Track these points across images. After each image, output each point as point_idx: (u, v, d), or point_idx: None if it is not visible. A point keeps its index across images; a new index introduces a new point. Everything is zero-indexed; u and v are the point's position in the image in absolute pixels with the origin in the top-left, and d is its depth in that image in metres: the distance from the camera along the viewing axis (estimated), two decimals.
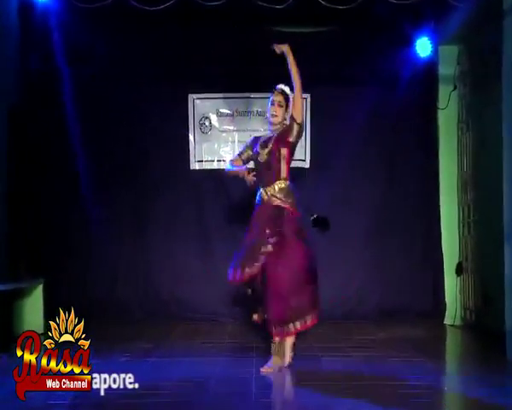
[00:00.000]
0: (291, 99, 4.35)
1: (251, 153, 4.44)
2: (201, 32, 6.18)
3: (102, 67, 6.08)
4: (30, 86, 6.05)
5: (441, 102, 6.34)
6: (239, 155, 4.54)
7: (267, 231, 4.17)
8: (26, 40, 5.99)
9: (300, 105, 4.34)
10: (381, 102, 6.20)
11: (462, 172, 6.31)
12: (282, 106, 4.33)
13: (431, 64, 6.23)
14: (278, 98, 4.34)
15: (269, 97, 4.41)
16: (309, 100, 6.30)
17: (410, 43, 6.09)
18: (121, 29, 6.08)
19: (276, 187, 4.28)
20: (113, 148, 6.27)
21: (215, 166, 6.37)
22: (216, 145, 6.38)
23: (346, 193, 6.31)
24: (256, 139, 4.51)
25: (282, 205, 4.25)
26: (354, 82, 6.20)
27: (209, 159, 6.38)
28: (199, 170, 6.37)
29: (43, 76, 6.04)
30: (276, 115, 4.32)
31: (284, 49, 4.27)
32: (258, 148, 4.39)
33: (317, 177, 6.25)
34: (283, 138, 4.34)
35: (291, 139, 4.34)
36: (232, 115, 6.37)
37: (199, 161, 6.37)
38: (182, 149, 6.35)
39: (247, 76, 6.26)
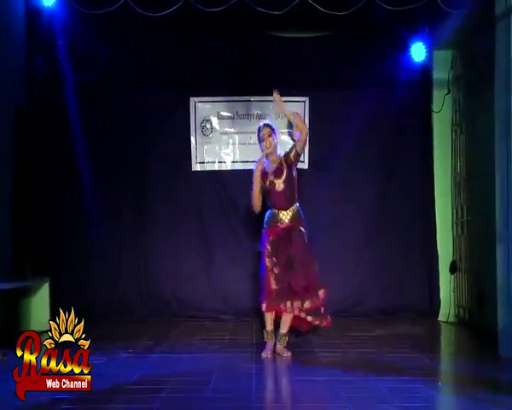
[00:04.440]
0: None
1: (264, 185, 4.69)
2: (202, 37, 6.29)
3: (105, 70, 6.14)
4: (35, 88, 6.12)
5: (435, 106, 6.41)
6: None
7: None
8: (33, 44, 6.06)
9: (304, 144, 4.79)
10: (377, 105, 6.28)
11: (456, 174, 6.38)
12: (270, 134, 4.70)
13: (425, 68, 6.32)
14: (266, 130, 4.69)
15: (257, 133, 4.73)
16: (307, 103, 6.41)
17: (405, 47, 6.17)
18: (124, 34, 6.18)
19: (293, 210, 4.64)
20: (116, 149, 6.33)
21: (216, 167, 6.46)
22: (217, 147, 6.45)
23: (343, 194, 6.38)
24: (263, 171, 4.70)
25: (297, 226, 4.62)
26: (351, 85, 6.29)
27: (210, 160, 6.46)
28: (200, 171, 6.45)
29: (48, 78, 6.09)
30: (269, 147, 4.68)
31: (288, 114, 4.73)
32: (271, 177, 4.66)
33: (316, 178, 6.32)
34: (291, 166, 4.67)
35: (295, 165, 4.73)
36: (233, 118, 6.44)
37: (200, 163, 6.45)
38: (183, 151, 6.41)
39: (248, 79, 6.35)
